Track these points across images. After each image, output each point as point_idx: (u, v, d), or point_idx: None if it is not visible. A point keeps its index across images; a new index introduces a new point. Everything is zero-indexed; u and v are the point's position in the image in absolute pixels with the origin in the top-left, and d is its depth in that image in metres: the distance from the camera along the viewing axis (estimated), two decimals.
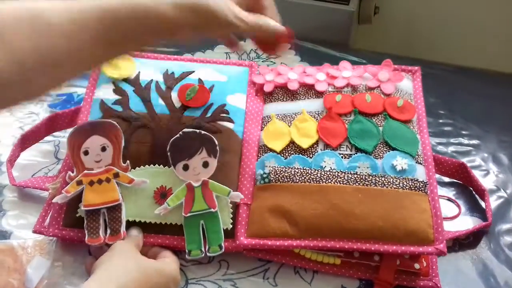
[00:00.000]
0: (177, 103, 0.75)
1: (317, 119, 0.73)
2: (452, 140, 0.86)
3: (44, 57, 0.51)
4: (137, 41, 0.58)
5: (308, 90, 0.78)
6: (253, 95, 0.79)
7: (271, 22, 0.64)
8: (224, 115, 0.75)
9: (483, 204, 0.75)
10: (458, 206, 0.75)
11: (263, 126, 0.75)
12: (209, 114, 0.74)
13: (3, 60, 0.48)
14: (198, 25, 0.58)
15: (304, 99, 0.77)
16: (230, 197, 0.68)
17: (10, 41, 0.49)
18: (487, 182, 0.79)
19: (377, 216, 0.64)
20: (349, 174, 0.67)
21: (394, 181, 0.66)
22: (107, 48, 0.55)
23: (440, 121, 0.89)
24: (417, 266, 0.64)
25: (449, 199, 0.76)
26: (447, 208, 0.75)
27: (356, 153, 0.69)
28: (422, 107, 0.77)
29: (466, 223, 0.73)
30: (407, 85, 0.78)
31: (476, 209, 0.75)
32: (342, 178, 0.67)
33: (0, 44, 0.48)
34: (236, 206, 0.68)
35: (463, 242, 0.71)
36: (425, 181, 0.68)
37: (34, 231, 0.67)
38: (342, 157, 0.69)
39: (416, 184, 0.67)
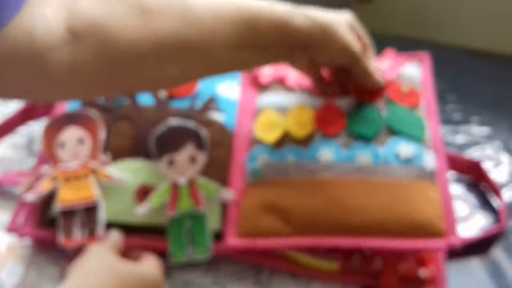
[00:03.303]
0: (162, 93, 0.70)
1: (314, 110, 0.67)
2: (461, 128, 0.81)
3: (183, 47, 0.52)
4: (271, 52, 0.57)
5: (305, 89, 0.71)
6: (247, 85, 0.74)
7: (379, 72, 0.64)
8: (213, 106, 0.70)
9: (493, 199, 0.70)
10: (469, 206, 0.70)
11: (256, 117, 0.69)
12: (197, 105, 0.69)
13: (145, 36, 0.50)
14: (324, 44, 0.58)
15: (301, 95, 0.71)
16: (219, 195, 0.63)
17: (155, 21, 0.50)
18: (498, 173, 0.74)
19: (379, 210, 0.59)
20: (348, 165, 0.62)
21: (398, 170, 0.61)
22: (240, 54, 0.55)
23: (449, 108, 0.84)
24: (422, 273, 0.59)
25: (458, 198, 0.71)
26: (456, 207, 0.68)
27: (356, 142, 0.63)
28: (432, 94, 0.70)
29: (475, 219, 0.68)
30: (413, 73, 0.72)
31: (486, 205, 0.70)
32: (341, 170, 0.61)
33: (145, 21, 0.49)
34: (225, 204, 0.63)
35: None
36: (433, 169, 0.62)
37: (9, 230, 0.63)
38: (340, 146, 0.63)
39: (423, 173, 0.61)
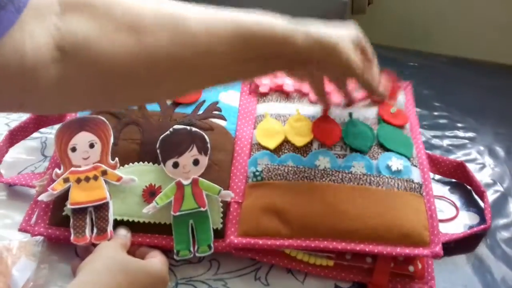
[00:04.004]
0: (168, 100, 0.70)
1: (311, 121, 0.69)
2: (447, 133, 0.81)
3: (177, 65, 0.49)
4: (269, 65, 0.55)
5: (303, 96, 0.73)
6: (247, 93, 0.75)
7: (376, 81, 0.61)
8: (216, 112, 0.70)
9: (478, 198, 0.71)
10: (456, 207, 0.71)
11: (256, 124, 0.70)
12: (201, 111, 0.70)
13: (136, 54, 0.46)
14: (322, 59, 0.56)
15: (299, 103, 0.72)
16: (220, 196, 0.63)
17: (146, 38, 0.47)
18: (483, 176, 0.75)
19: (371, 217, 0.60)
20: (344, 173, 0.63)
21: (389, 181, 0.62)
22: (235, 67, 0.53)
23: (435, 113, 0.84)
24: (411, 269, 0.60)
25: (446, 199, 0.72)
26: (443, 207, 0.70)
27: (351, 153, 0.65)
28: (414, 116, 0.73)
29: (462, 218, 0.69)
30: (399, 99, 0.74)
31: (472, 204, 0.71)
32: (337, 177, 0.63)
33: (136, 39, 0.46)
34: (226, 205, 0.64)
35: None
36: (420, 182, 0.63)
37: (20, 230, 0.63)
38: (336, 156, 0.65)
39: (411, 185, 0.63)
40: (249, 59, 0.52)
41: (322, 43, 0.54)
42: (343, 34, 0.57)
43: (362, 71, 0.58)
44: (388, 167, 0.64)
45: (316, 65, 0.57)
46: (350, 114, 0.69)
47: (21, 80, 0.43)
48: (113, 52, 0.46)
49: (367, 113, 0.70)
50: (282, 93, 0.74)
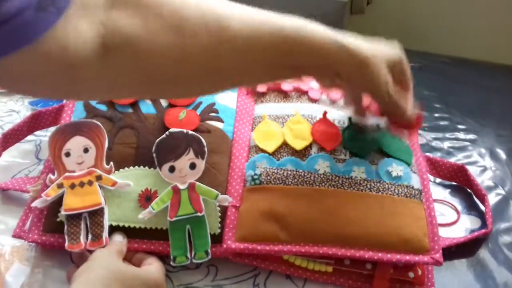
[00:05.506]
0: (164, 102, 0.69)
1: (310, 123, 0.67)
2: (448, 135, 0.80)
3: (214, 66, 0.50)
4: (303, 72, 0.55)
5: (302, 94, 0.72)
6: (244, 93, 0.73)
7: (408, 108, 0.58)
8: (213, 114, 0.68)
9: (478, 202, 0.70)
10: (457, 210, 0.69)
11: (254, 126, 0.68)
12: (197, 113, 0.68)
13: (177, 54, 0.47)
14: (355, 78, 0.55)
15: (297, 102, 0.70)
16: (218, 201, 0.62)
17: (189, 39, 0.47)
18: (484, 178, 0.74)
19: (371, 223, 0.59)
20: (344, 178, 0.62)
21: (389, 187, 0.61)
22: (271, 72, 0.53)
23: (436, 115, 0.83)
24: (411, 275, 0.59)
25: (447, 203, 0.70)
26: (444, 211, 0.69)
27: (351, 158, 0.64)
28: None
29: (463, 222, 0.68)
30: None
31: (473, 208, 0.70)
32: (337, 182, 0.61)
33: (180, 40, 0.47)
34: (224, 209, 0.62)
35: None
36: (420, 189, 0.62)
37: (14, 236, 0.62)
38: (336, 161, 0.63)
39: (411, 191, 0.61)
40: (283, 65, 0.52)
41: (353, 55, 0.52)
42: (379, 50, 0.55)
43: (387, 90, 0.55)
44: (388, 173, 0.62)
45: (345, 79, 0.55)
46: (350, 119, 0.67)
47: (61, 75, 0.44)
48: (155, 50, 0.47)
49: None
50: (280, 93, 0.72)
